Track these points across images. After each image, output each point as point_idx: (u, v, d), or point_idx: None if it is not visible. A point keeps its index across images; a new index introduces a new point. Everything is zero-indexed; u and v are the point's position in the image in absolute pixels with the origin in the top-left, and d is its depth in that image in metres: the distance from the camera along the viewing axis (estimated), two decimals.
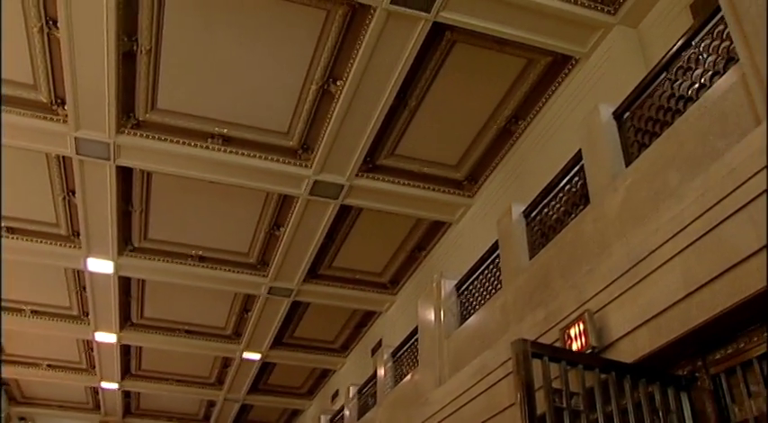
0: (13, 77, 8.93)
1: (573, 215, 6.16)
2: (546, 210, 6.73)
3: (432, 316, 8.64)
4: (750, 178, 3.86)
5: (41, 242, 12.35)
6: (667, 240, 4.49)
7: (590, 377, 4.53)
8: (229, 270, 13.08)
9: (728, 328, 4.17)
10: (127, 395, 20.01)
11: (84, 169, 10.17)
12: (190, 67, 8.83)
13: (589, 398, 4.47)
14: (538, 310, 6.11)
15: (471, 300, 8.15)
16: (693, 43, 4.91)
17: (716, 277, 4.05)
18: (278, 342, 15.94)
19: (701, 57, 4.84)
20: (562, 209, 6.42)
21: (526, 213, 7.03)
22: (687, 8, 6.97)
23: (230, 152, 9.93)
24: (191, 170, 10.22)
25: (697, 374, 4.50)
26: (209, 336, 16.08)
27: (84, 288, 13.93)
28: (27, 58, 8.69)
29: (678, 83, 5.04)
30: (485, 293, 7.80)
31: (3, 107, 9.13)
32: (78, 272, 13.56)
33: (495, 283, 7.53)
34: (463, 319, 8.18)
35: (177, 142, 9.77)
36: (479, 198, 10.76)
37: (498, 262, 7.40)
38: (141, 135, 9.66)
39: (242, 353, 16.32)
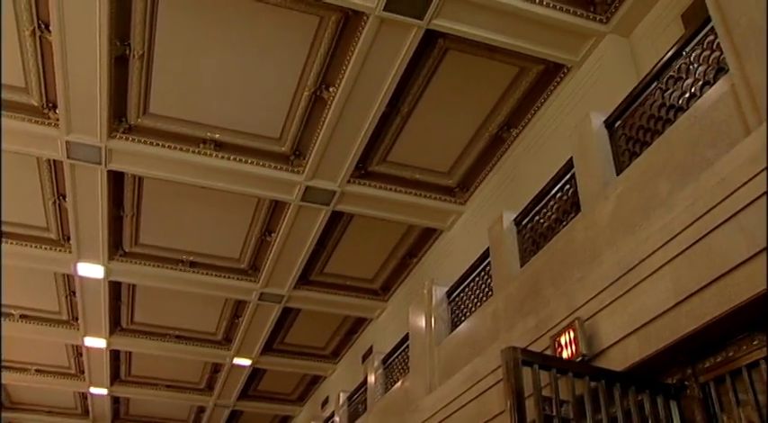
0: (4, 81, 8.89)
1: (564, 223, 6.18)
2: (537, 217, 6.75)
3: (423, 323, 8.64)
4: (739, 188, 3.88)
5: (31, 246, 12.28)
6: (657, 249, 4.51)
7: (580, 385, 4.54)
8: (220, 275, 13.04)
9: (718, 336, 4.19)
10: (116, 401, 19.89)
11: (76, 173, 10.13)
12: (182, 72, 8.81)
13: (579, 406, 4.48)
14: (528, 318, 6.11)
15: (462, 307, 8.16)
16: (684, 53, 4.95)
17: (705, 286, 4.07)
18: (268, 348, 15.89)
19: (691, 66, 4.88)
20: (553, 217, 6.44)
21: (517, 221, 7.05)
22: (678, 18, 7.01)
23: (222, 157, 9.92)
24: (182, 175, 10.19)
25: (686, 383, 4.51)
26: (199, 341, 16.02)
27: (74, 293, 13.85)
28: (19, 62, 8.65)
29: (669, 92, 5.07)
30: (476, 301, 7.81)
31: (2, 112, 9.11)
32: (68, 276, 13.49)
33: (486, 290, 7.54)
34: (454, 326, 8.18)
35: (169, 147, 9.75)
36: (471, 205, 10.77)
37: (489, 269, 7.41)
38: (133, 140, 9.63)
39: (232, 359, 16.25)
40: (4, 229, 11.94)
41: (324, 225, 11.23)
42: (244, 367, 16.68)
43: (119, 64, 8.56)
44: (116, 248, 12.38)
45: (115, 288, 13.75)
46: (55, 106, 9.14)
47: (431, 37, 8.11)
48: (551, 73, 8.62)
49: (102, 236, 11.67)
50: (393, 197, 10.61)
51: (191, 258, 12.75)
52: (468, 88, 8.96)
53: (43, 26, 8.15)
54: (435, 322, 8.38)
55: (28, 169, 10.46)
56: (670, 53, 5.05)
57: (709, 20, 4.60)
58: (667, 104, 5.07)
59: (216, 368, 17.50)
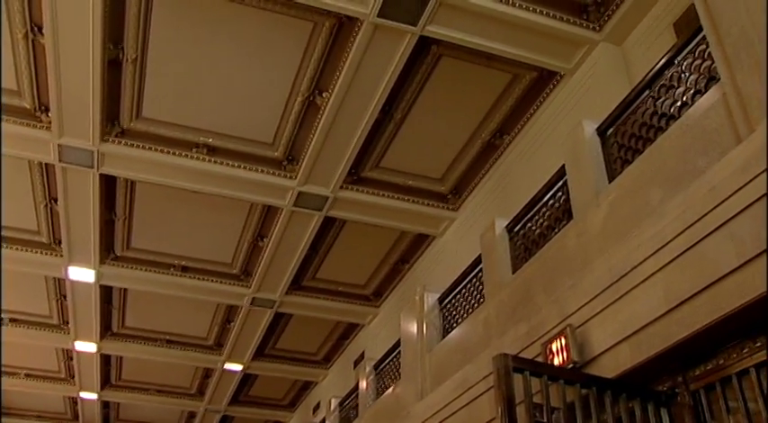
0: None
1: (556, 230, 6.19)
2: (529, 224, 6.76)
3: (414, 329, 8.64)
4: (730, 196, 3.90)
5: (22, 250, 12.22)
6: (649, 256, 4.52)
7: (571, 392, 4.55)
8: (212, 280, 13.00)
9: (709, 344, 4.21)
10: (106, 405, 19.77)
11: (67, 177, 10.10)
12: (175, 77, 8.80)
13: (570, 413, 4.48)
14: (520, 325, 6.12)
15: (454, 313, 8.16)
16: (676, 62, 4.97)
17: (696, 294, 4.08)
18: (260, 353, 15.85)
19: (683, 75, 4.90)
20: (545, 224, 6.45)
21: (509, 228, 7.05)
22: (671, 26, 7.05)
23: (215, 162, 9.90)
24: (175, 179, 10.17)
25: (677, 390, 4.52)
26: (190, 346, 15.96)
27: (65, 296, 13.79)
28: (11, 64, 8.62)
29: (661, 100, 5.09)
30: (467, 307, 7.81)
31: (3, 116, 9.08)
32: (59, 280, 13.42)
33: (478, 296, 7.54)
34: (445, 332, 8.18)
35: (162, 151, 9.73)
36: (463, 211, 10.78)
37: (481, 276, 7.41)
38: (125, 143, 9.60)
39: (223, 364, 16.20)
40: None
41: (316, 230, 11.22)
42: (235, 372, 16.63)
43: (112, 67, 8.55)
44: (107, 252, 12.33)
45: (106, 292, 13.70)
46: (47, 109, 9.11)
47: (424, 43, 8.13)
48: (544, 80, 8.65)
49: (94, 240, 11.63)
50: (386, 203, 10.61)
51: (182, 263, 12.72)
52: (462, 95, 8.97)
53: (36, 29, 8.13)
54: (427, 329, 8.37)
55: (20, 172, 10.41)
56: (662, 62, 5.07)
57: (700, 29, 4.62)
58: (659, 113, 5.09)
59: (207, 373, 17.43)
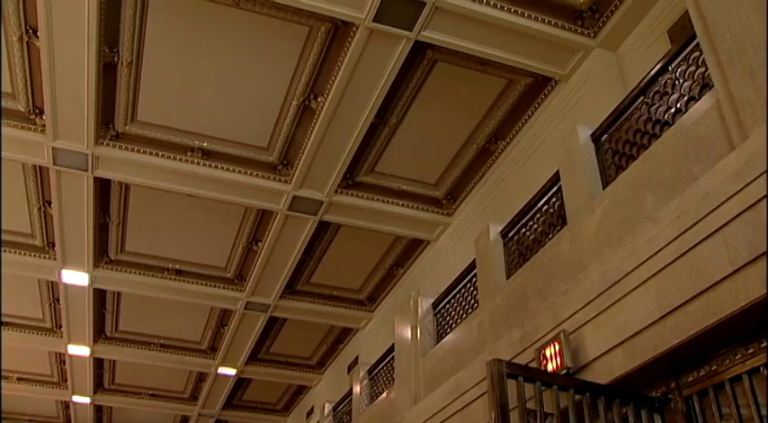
0: None
1: (550, 236, 6.20)
2: (523, 230, 6.77)
3: (408, 334, 8.63)
4: (723, 203, 3.92)
5: (15, 253, 12.18)
6: (642, 262, 4.53)
7: (565, 398, 4.55)
8: (206, 284, 12.97)
9: (702, 350, 4.21)
10: (99, 409, 19.70)
11: (62, 180, 10.07)
12: (171, 80, 8.80)
13: (563, 419, 4.48)
14: (514, 330, 6.12)
15: (448, 318, 8.16)
16: (670, 68, 4.99)
17: (689, 300, 4.10)
18: (254, 357, 15.82)
19: (677, 82, 4.92)
20: (539, 229, 6.46)
21: (504, 233, 7.06)
22: (665, 33, 7.08)
23: (210, 166, 9.89)
24: (169, 183, 10.16)
25: (670, 396, 4.53)
26: (184, 350, 15.92)
27: (58, 300, 13.74)
28: (5, 67, 8.61)
29: (655, 107, 5.11)
30: (461, 312, 7.81)
31: (3, 120, 9.06)
32: (52, 283, 13.38)
33: (472, 302, 7.55)
34: (439, 337, 8.18)
35: (156, 155, 9.72)
36: (458, 217, 10.79)
37: (475, 281, 7.42)
38: (120, 147, 9.59)
39: (217, 368, 16.16)
40: None
41: (311, 235, 11.22)
42: (229, 377, 16.59)
43: (107, 71, 8.53)
44: (101, 256, 12.30)
45: (100, 296, 13.66)
46: (42, 112, 9.09)
47: (420, 48, 8.14)
48: (539, 86, 8.67)
49: (88, 243, 11.60)
50: (380, 208, 10.61)
51: (177, 266, 12.69)
52: (457, 100, 8.99)
53: (31, 31, 8.11)
54: (421, 333, 8.37)
55: (14, 175, 10.39)
56: (656, 68, 5.09)
57: (694, 36, 4.65)
58: (653, 119, 5.11)
59: (201, 377, 17.38)
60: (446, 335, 7.94)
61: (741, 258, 3.75)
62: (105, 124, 9.32)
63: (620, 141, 5.48)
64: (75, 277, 12.59)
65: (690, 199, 4.23)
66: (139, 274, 12.76)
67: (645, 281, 4.50)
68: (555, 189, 6.22)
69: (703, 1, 4.44)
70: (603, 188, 5.47)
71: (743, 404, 4.03)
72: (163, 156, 9.73)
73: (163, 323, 14.88)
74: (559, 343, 5.16)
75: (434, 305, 8.46)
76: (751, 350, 3.99)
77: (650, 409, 4.58)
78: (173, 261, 12.59)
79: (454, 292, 8.04)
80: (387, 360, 9.85)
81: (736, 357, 4.09)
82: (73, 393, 18.11)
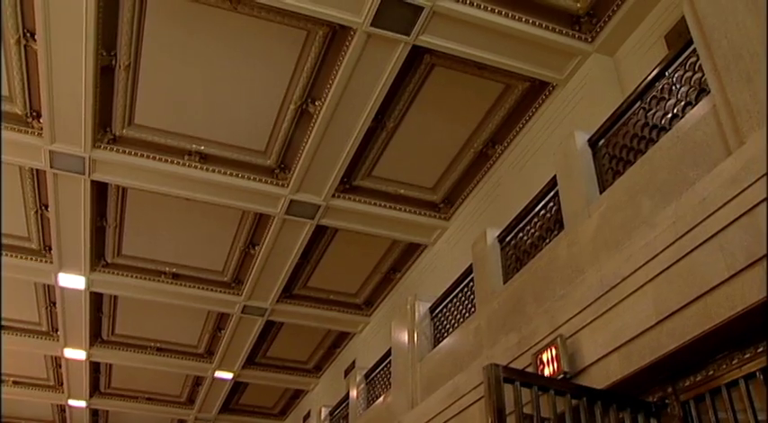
0: None
1: (547, 240, 6.20)
2: (521, 234, 6.77)
3: (405, 338, 8.62)
4: (720, 208, 3.92)
5: (12, 256, 12.15)
6: (639, 267, 4.53)
7: (561, 403, 4.54)
8: (203, 288, 12.96)
9: (698, 355, 4.21)
10: (95, 413, 19.64)
11: (59, 183, 10.06)
12: (168, 84, 8.80)
13: None
14: (511, 335, 6.12)
15: (445, 323, 8.15)
16: (667, 74, 5.00)
17: (686, 305, 4.10)
18: (251, 361, 15.80)
19: (674, 87, 4.93)
20: (536, 234, 6.46)
21: (501, 238, 7.06)
22: (662, 38, 7.10)
23: (207, 170, 9.89)
24: (167, 187, 10.15)
25: (667, 401, 4.53)
26: (180, 354, 15.89)
27: (55, 303, 13.72)
28: (3, 70, 8.60)
29: (652, 112, 5.11)
30: (458, 317, 7.80)
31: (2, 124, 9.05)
32: (49, 287, 13.36)
33: (469, 306, 7.54)
34: (436, 341, 8.17)
35: (154, 158, 9.71)
36: (455, 221, 10.79)
37: (472, 285, 7.41)
38: (117, 150, 9.58)
39: (214, 372, 16.13)
40: None
41: (308, 239, 11.21)
42: (225, 380, 16.56)
43: (104, 74, 8.53)
44: (98, 259, 12.28)
45: (96, 299, 13.63)
46: (39, 115, 9.08)
47: (417, 53, 8.15)
48: (537, 90, 8.69)
49: (85, 246, 11.58)
50: (377, 212, 10.61)
51: (173, 270, 12.68)
52: (454, 104, 9.00)
53: (29, 35, 8.11)
54: (418, 338, 8.36)
55: (10, 178, 10.37)
56: (653, 74, 5.10)
57: (691, 41, 4.66)
58: (650, 124, 5.11)
59: (197, 381, 17.35)
60: (443, 339, 7.93)
61: (738, 263, 3.76)
62: (102, 127, 9.32)
63: (618, 146, 5.48)
64: (72, 281, 12.56)
65: (686, 204, 4.24)
66: (136, 277, 12.74)
67: (642, 286, 4.50)
68: (552, 194, 6.22)
69: (700, 7, 4.45)
70: (600, 193, 5.47)
71: (739, 409, 4.03)
72: (160, 159, 9.73)
73: (159, 327, 14.86)
74: (556, 347, 5.15)
75: (431, 309, 8.45)
76: (747, 355, 4.00)
77: (647, 414, 4.57)
78: (170, 265, 12.57)
79: (451, 296, 8.03)
80: (384, 364, 9.83)
81: (733, 362, 4.09)
82: (69, 397, 18.06)
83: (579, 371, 5.00)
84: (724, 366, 4.14)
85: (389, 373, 9.36)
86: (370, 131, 9.25)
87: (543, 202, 6.38)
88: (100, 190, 10.46)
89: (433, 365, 7.88)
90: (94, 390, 17.96)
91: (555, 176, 6.09)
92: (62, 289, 12.88)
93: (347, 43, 7.90)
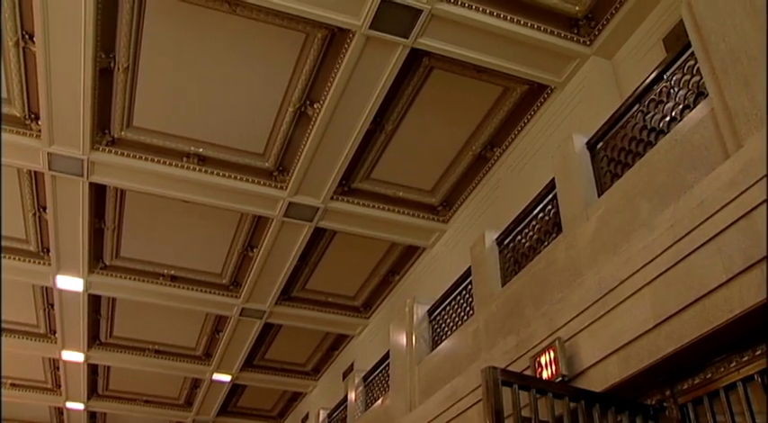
0: None
1: (545, 243, 6.20)
2: (519, 237, 6.77)
3: (403, 341, 8.62)
4: (718, 211, 3.92)
5: (10, 258, 12.14)
6: (637, 270, 4.54)
7: (559, 405, 4.54)
8: (201, 290, 12.95)
9: (696, 358, 4.21)
10: (93, 416, 19.62)
11: (57, 185, 10.05)
12: (167, 86, 8.80)
13: None
14: (509, 338, 6.12)
15: (443, 325, 8.15)
16: (665, 77, 5.00)
17: (684, 308, 4.10)
18: (249, 364, 15.78)
19: (672, 90, 4.93)
20: (535, 237, 6.46)
21: (499, 240, 7.06)
22: (660, 42, 7.11)
23: (206, 172, 9.88)
24: (165, 189, 10.15)
25: (665, 404, 4.53)
26: (179, 356, 15.88)
27: (53, 305, 13.71)
28: (1, 72, 8.60)
29: (650, 115, 5.12)
30: (457, 319, 7.80)
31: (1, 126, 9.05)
32: (47, 289, 13.35)
33: (468, 309, 7.54)
34: (435, 344, 8.17)
35: (152, 160, 9.71)
36: (454, 223, 10.79)
37: (471, 288, 7.41)
38: (116, 152, 9.58)
39: (212, 374, 16.11)
40: None
41: (306, 241, 11.21)
42: (223, 383, 16.54)
43: (103, 76, 8.54)
44: (96, 261, 12.27)
45: (95, 301, 13.62)
46: (37, 117, 9.08)
47: (416, 55, 8.16)
48: (535, 93, 8.69)
49: (83, 248, 11.57)
50: (376, 214, 10.61)
51: (172, 272, 12.67)
52: (453, 107, 9.00)
53: (27, 37, 8.11)
54: (416, 340, 8.36)
55: (9, 180, 10.36)
56: (651, 77, 5.11)
57: (689, 45, 4.66)
58: (649, 127, 5.12)
59: (195, 383, 17.33)
60: (441, 342, 7.93)
61: (736, 266, 3.76)
62: (101, 129, 9.31)
63: (616, 149, 5.48)
64: (70, 283, 12.55)
65: (685, 207, 4.24)
66: (134, 279, 12.73)
67: (640, 288, 4.50)
68: (550, 196, 6.22)
69: (698, 10, 4.46)
70: (599, 196, 5.47)
71: (737, 412, 4.03)
72: (158, 161, 9.73)
73: (158, 329, 14.84)
74: (555, 350, 5.15)
75: (430, 312, 8.45)
76: (746, 358, 4.00)
77: (645, 417, 4.57)
78: (168, 267, 12.56)
79: (450, 299, 8.03)
80: (382, 367, 9.83)
81: (731, 365, 4.09)
82: (67, 399, 18.03)
83: (577, 374, 5.00)
84: (722, 369, 4.15)
85: (388, 376, 9.36)
86: (369, 134, 9.26)
87: (542, 205, 6.39)
88: (98, 192, 10.46)
89: (431, 368, 7.88)
90: (92, 392, 17.94)
91: (553, 179, 6.10)
92: (60, 291, 12.86)
93: (346, 46, 7.91)
